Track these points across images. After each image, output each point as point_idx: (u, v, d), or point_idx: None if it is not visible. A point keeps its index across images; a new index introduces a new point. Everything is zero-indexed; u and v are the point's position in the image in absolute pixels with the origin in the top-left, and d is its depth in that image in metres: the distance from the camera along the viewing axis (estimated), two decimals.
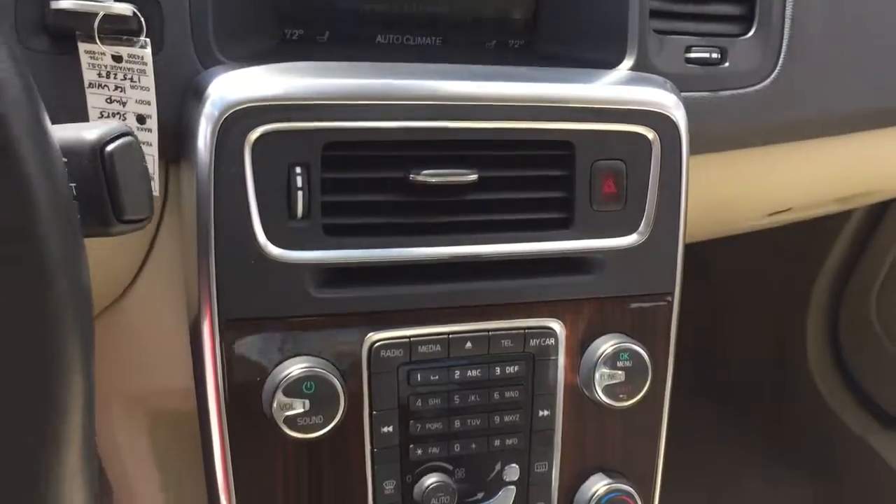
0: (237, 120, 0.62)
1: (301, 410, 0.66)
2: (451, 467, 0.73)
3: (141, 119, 0.64)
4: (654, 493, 0.79)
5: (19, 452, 0.39)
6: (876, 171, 1.05)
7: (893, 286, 1.63)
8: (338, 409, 0.67)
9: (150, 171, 0.63)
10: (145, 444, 0.82)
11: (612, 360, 0.74)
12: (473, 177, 0.68)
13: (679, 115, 0.74)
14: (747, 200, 0.99)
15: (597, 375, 0.74)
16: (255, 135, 0.63)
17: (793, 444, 1.78)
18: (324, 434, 0.67)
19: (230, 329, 0.65)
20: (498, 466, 0.74)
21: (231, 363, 0.66)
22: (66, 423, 0.39)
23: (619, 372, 0.74)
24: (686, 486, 1.62)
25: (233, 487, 0.67)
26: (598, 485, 0.76)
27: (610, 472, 0.77)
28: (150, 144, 0.64)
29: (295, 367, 0.66)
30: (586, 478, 0.77)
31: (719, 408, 1.86)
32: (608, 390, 0.74)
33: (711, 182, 0.88)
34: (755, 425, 1.82)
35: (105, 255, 0.67)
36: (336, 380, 0.66)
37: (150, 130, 0.65)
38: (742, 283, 1.85)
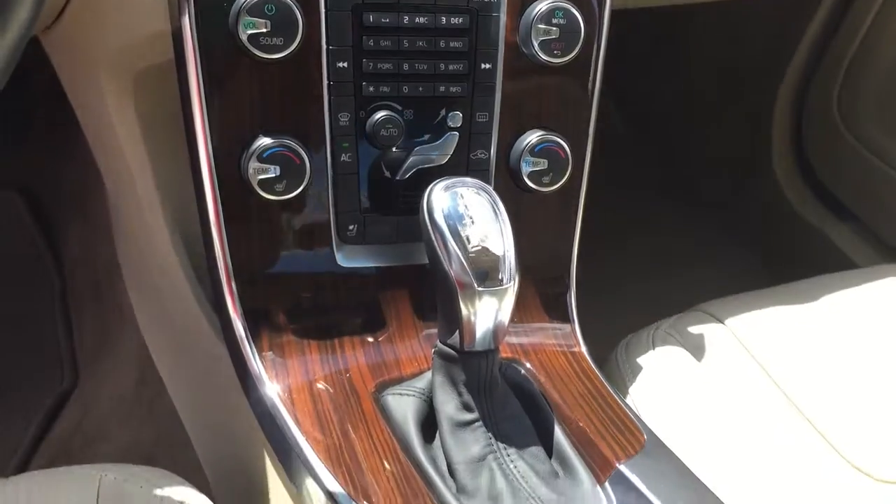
0: None
1: (263, 31, 0.74)
2: (399, 107, 0.82)
3: None
4: (585, 149, 0.88)
5: None
6: None
7: (854, 78, 1.69)
8: (296, 34, 0.75)
9: None
10: (131, 106, 0.91)
11: (547, 17, 0.82)
12: None
13: None
14: None
15: (533, 31, 0.82)
16: None
17: (751, 234, 1.88)
18: (284, 56, 0.75)
19: None
20: (443, 112, 0.83)
21: None
22: None
23: (554, 28, 0.82)
24: (643, 275, 1.73)
25: (204, 99, 0.75)
26: (533, 136, 0.85)
27: (545, 127, 0.86)
28: None
29: None
30: (524, 131, 0.86)
31: (682, 202, 1.95)
32: (544, 45, 0.83)
33: None
34: (715, 216, 1.92)
35: None
36: (295, 6, 0.74)
37: None
38: (713, 77, 1.91)
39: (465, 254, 0.71)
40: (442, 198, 0.74)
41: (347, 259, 0.84)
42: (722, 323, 1.04)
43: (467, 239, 0.72)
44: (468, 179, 0.76)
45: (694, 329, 1.03)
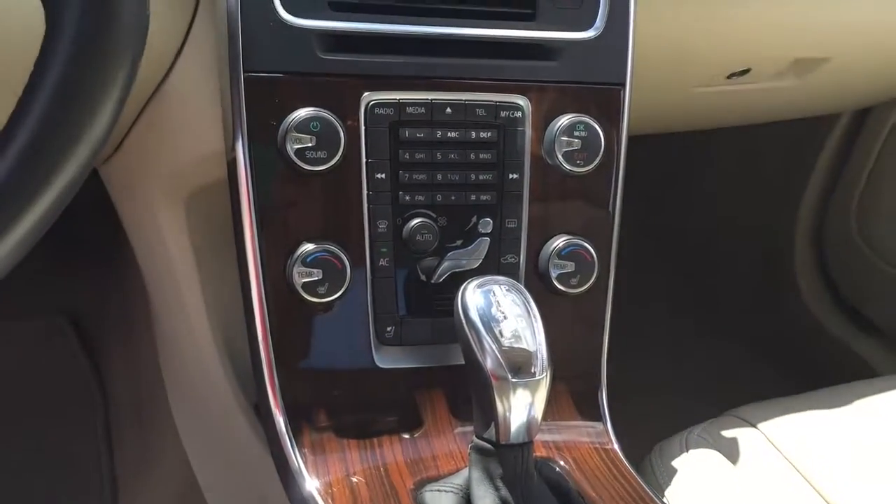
0: None
1: (310, 145, 0.81)
2: (434, 215, 0.87)
3: None
4: (610, 252, 0.93)
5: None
6: (828, 30, 1.18)
7: (871, 197, 1.74)
8: (339, 148, 0.82)
9: None
10: (183, 224, 0.97)
11: (569, 130, 0.89)
12: None
13: None
14: (701, 50, 1.12)
15: (557, 143, 0.88)
16: None
17: (775, 347, 1.88)
18: (328, 168, 0.82)
19: (252, 83, 0.81)
20: (474, 219, 0.89)
21: (252, 110, 0.81)
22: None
23: (576, 140, 0.89)
24: (667, 386, 1.74)
25: (254, 209, 0.82)
26: (560, 240, 0.90)
27: (571, 233, 0.91)
28: None
29: (304, 111, 0.81)
30: (550, 237, 0.91)
31: (704, 317, 1.97)
32: (567, 156, 0.89)
33: (663, 22, 1.03)
34: (738, 330, 1.93)
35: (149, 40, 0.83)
36: (338, 123, 0.82)
37: None
38: (733, 197, 1.97)
39: (499, 348, 0.75)
40: (475, 295, 0.78)
41: (385, 359, 0.87)
42: (754, 427, 1.05)
43: (500, 333, 0.76)
44: (500, 278, 0.80)
45: (727, 433, 1.04)
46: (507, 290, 0.78)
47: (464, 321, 0.77)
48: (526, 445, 0.76)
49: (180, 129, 0.90)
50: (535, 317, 0.77)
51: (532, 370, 0.75)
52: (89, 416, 1.45)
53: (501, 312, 0.77)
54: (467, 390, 0.82)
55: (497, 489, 0.77)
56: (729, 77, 1.22)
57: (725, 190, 1.98)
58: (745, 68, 1.21)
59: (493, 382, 0.74)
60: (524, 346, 0.75)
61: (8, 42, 0.63)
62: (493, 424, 0.76)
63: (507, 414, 0.75)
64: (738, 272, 2.00)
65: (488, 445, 0.77)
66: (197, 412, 1.13)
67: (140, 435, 1.35)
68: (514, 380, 0.74)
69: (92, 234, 1.42)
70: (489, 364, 0.74)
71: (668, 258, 2.10)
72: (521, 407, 0.75)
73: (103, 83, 0.51)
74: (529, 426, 0.76)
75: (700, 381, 1.81)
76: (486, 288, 0.78)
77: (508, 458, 0.76)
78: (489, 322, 0.76)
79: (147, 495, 1.28)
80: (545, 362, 0.76)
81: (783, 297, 1.89)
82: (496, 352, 0.74)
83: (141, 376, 1.37)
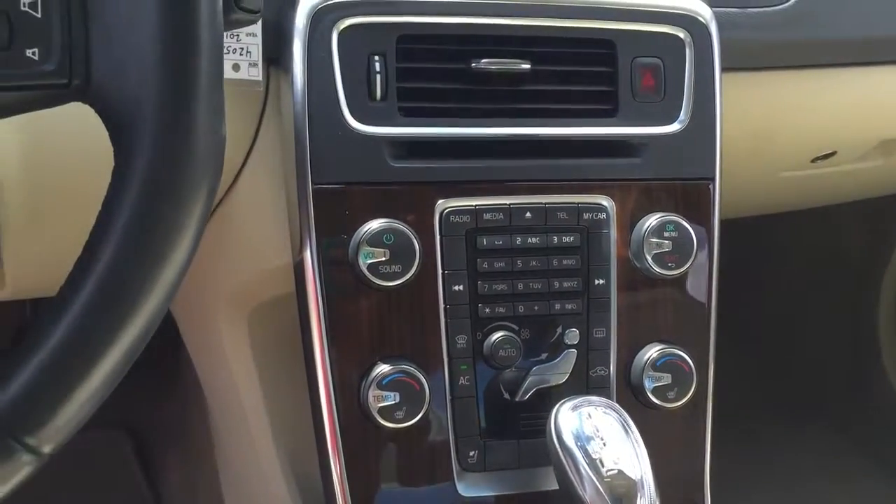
0: (327, 13, 0.75)
1: (383, 259, 0.76)
2: (516, 327, 0.81)
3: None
4: (708, 361, 0.85)
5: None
6: None
7: None
8: (414, 260, 0.76)
9: (255, 58, 0.77)
10: (246, 339, 0.92)
11: (658, 231, 0.82)
12: (527, 66, 0.80)
13: (708, 17, 0.84)
14: (787, 135, 1.06)
15: (646, 245, 0.82)
16: (341, 26, 0.76)
17: (864, 436, 1.77)
18: (403, 283, 0.76)
19: (321, 195, 0.76)
20: (559, 330, 0.82)
21: (322, 223, 0.76)
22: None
23: (666, 241, 0.82)
24: (757, 485, 1.63)
25: (325, 328, 0.76)
26: (653, 350, 0.83)
27: (664, 341, 0.84)
28: (255, 35, 0.77)
29: (376, 223, 0.76)
30: (642, 346, 0.84)
31: (786, 411, 1.86)
32: (657, 258, 0.82)
33: (747, 108, 0.97)
34: (826, 425, 1.82)
35: None
36: (412, 235, 0.76)
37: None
38: (811, 287, 1.88)
39: (600, 478, 0.67)
40: (570, 419, 0.71)
41: (468, 488, 0.80)
42: None
43: (600, 462, 0.69)
44: (595, 398, 0.74)
45: None
46: (604, 411, 0.71)
47: (559, 448, 0.70)
48: None
49: (245, 243, 0.86)
50: (637, 441, 0.70)
51: (638, 501, 0.67)
52: None
53: (600, 437, 0.70)
54: None
55: None
56: (813, 161, 1.15)
57: (802, 268, 1.89)
58: (830, 152, 1.14)
59: None
60: (628, 475, 0.68)
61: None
62: None
63: None
64: (819, 357, 1.89)
65: None
66: None
67: None
68: None
69: (151, 345, 1.38)
70: (589, 497, 0.67)
71: (743, 351, 2.00)
72: None
73: (177, 221, 0.46)
74: None
75: (788, 480, 1.69)
76: (581, 410, 0.71)
77: None
78: (586, 448, 0.69)
79: None
80: (653, 494, 0.68)
81: (869, 381, 1.78)
82: (596, 483, 0.67)
83: (199, 492, 1.31)
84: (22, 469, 0.46)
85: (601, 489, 0.67)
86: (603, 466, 0.68)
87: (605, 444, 0.69)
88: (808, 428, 1.83)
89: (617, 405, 0.73)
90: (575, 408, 0.71)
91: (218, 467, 1.18)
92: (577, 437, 0.69)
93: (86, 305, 0.45)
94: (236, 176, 0.84)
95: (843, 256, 1.81)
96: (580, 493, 0.68)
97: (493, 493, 0.81)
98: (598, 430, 0.70)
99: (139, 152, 0.46)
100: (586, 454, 0.68)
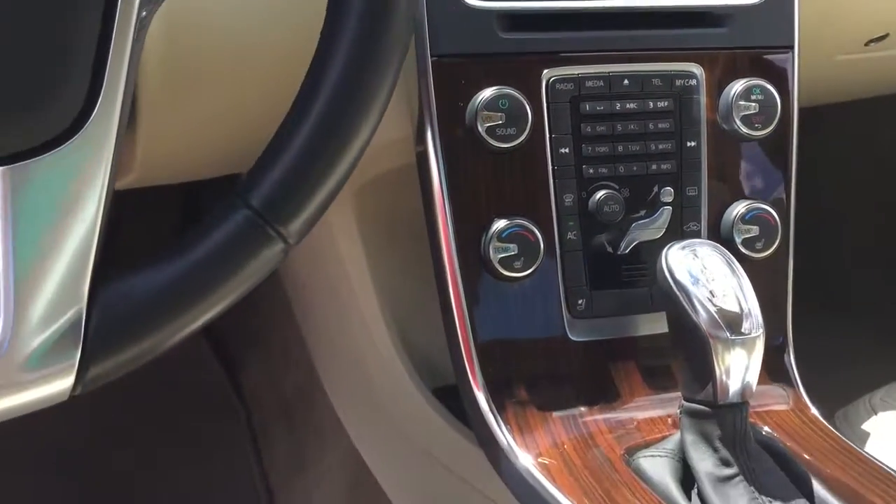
0: None
1: (500, 122, 0.82)
2: (617, 186, 0.88)
3: None
4: (789, 216, 0.93)
5: None
6: None
7: None
8: (526, 124, 0.83)
9: None
10: (352, 215, 0.99)
11: (745, 94, 0.89)
12: None
13: None
14: (840, 15, 1.11)
15: (734, 108, 0.89)
16: None
17: None
18: (516, 145, 0.83)
19: (439, 66, 0.83)
20: (656, 189, 0.89)
21: (441, 91, 0.83)
22: None
23: (753, 104, 0.89)
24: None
25: (445, 189, 0.83)
26: (741, 206, 0.90)
27: (750, 197, 0.91)
28: None
29: (490, 90, 0.82)
30: (731, 203, 0.91)
31: (828, 303, 1.91)
32: (745, 120, 0.89)
33: None
34: (867, 316, 1.88)
35: None
36: (524, 100, 0.83)
37: None
38: (869, 167, 1.90)
39: (713, 306, 0.75)
40: (679, 257, 0.78)
41: (577, 333, 0.88)
42: None
43: (711, 294, 0.76)
44: (699, 241, 0.80)
45: None
46: (710, 250, 0.78)
47: (672, 283, 0.77)
48: (744, 405, 0.76)
49: None
50: (741, 275, 0.77)
51: (748, 328, 0.75)
52: (234, 428, 1.47)
53: (709, 273, 0.77)
54: (664, 357, 0.82)
55: (716, 450, 0.76)
56: (867, 44, 1.21)
57: (864, 157, 1.90)
58: (883, 34, 1.19)
59: (710, 342, 0.74)
60: (737, 304, 0.75)
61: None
62: (709, 385, 0.75)
63: (726, 373, 0.74)
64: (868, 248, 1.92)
65: (703, 408, 0.76)
66: (371, 405, 1.13)
67: (292, 439, 1.36)
68: (732, 338, 0.74)
69: None
70: (705, 323, 0.74)
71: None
72: (739, 366, 0.75)
73: (390, 45, 0.53)
74: (748, 384, 0.75)
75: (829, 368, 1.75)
76: (689, 250, 0.78)
77: (727, 419, 0.76)
78: (699, 283, 0.76)
79: (306, 494, 1.29)
80: (759, 320, 0.75)
81: None
82: (711, 310, 0.74)
83: (285, 384, 1.39)
84: (277, 257, 0.53)
85: (717, 318, 0.74)
86: (715, 297, 0.75)
87: (714, 279, 0.76)
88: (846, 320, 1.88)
89: (720, 246, 0.80)
90: (684, 248, 0.78)
91: (310, 349, 1.26)
92: (690, 274, 0.76)
93: (323, 116, 0.51)
94: None
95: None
96: (696, 321, 0.75)
97: (599, 338, 0.88)
98: (705, 267, 0.77)
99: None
100: (698, 284, 0.75)
